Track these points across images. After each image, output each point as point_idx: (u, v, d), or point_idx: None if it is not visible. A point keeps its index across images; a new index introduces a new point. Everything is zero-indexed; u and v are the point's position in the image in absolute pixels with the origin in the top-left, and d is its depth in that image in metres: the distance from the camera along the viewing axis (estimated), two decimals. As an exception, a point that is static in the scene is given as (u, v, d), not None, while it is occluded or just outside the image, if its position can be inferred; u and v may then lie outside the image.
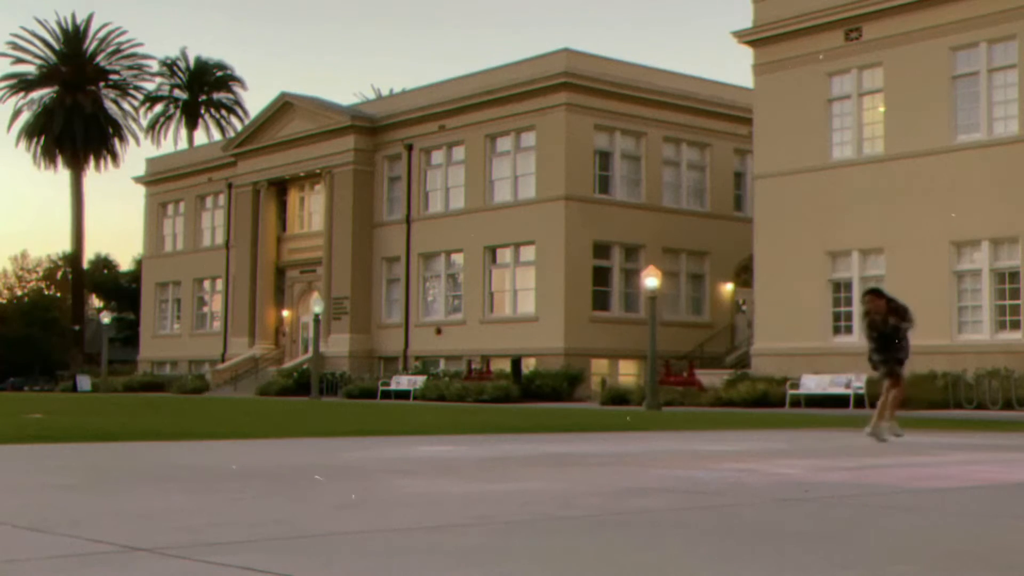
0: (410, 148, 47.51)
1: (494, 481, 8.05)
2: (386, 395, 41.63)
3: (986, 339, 30.48)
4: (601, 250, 42.33)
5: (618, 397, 34.52)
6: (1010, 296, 30.52)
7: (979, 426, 19.49)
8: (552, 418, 21.67)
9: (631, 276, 41.70)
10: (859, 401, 30.18)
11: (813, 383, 31.72)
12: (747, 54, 36.50)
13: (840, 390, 30.95)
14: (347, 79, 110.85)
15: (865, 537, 5.26)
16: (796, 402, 31.43)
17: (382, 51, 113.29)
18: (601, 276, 42.33)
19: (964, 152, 31.35)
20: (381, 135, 48.99)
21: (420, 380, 41.64)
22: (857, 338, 33.30)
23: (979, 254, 31.15)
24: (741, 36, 36.59)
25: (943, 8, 31.83)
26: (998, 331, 30.56)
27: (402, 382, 42.46)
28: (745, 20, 37.05)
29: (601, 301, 42.20)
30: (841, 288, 33.84)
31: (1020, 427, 19.47)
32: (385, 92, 71.71)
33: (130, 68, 77.53)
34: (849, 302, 33.69)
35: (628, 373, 41.04)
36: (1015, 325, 30.30)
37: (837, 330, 33.73)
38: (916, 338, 32.23)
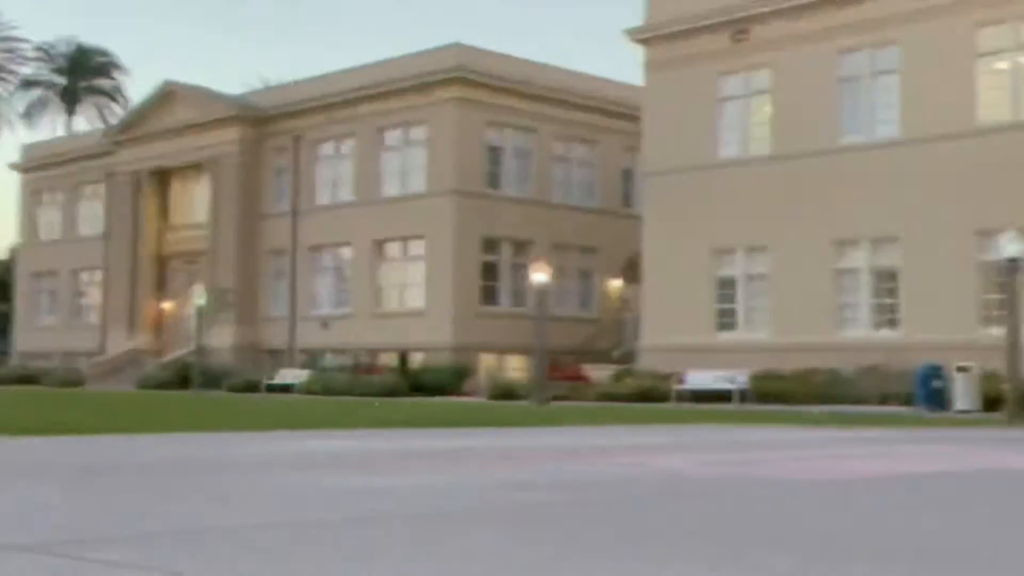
0: (298, 140, 46.90)
1: (381, 476, 7.91)
2: (271, 389, 41.05)
3: (865, 336, 31.25)
4: (490, 245, 42.32)
5: (506, 392, 34.54)
6: (889, 294, 31.33)
7: (858, 421, 19.94)
8: (440, 412, 21.57)
9: (520, 271, 41.75)
10: (742, 396, 30.68)
11: (698, 378, 32.13)
12: (639, 52, 36.85)
13: (724, 385, 31.40)
14: (235, 69, 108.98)
15: (749, 529, 5.27)
16: (681, 397, 31.81)
17: (271, 41, 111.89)
18: (490, 271, 42.31)
19: (847, 153, 32.09)
20: (268, 126, 48.27)
21: (306, 374, 41.16)
22: (742, 334, 33.90)
23: (859, 253, 31.91)
24: (633, 35, 36.90)
25: (829, 13, 32.53)
26: (877, 328, 31.35)
27: (287, 376, 41.91)
28: (638, 19, 37.35)
29: (490, 296, 42.19)
30: (726, 285, 34.36)
31: (897, 422, 19.96)
32: (273, 82, 70.63)
33: (5, 51, 75.25)
34: (734, 298, 34.25)
35: (516, 368, 41.10)
36: (893, 323, 31.11)
37: (722, 326, 34.24)
38: (799, 335, 33.03)
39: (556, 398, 30.80)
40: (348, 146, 45.50)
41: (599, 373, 36.09)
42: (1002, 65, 30.16)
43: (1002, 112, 29.82)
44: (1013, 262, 23.34)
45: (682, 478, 8.04)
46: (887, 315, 31.32)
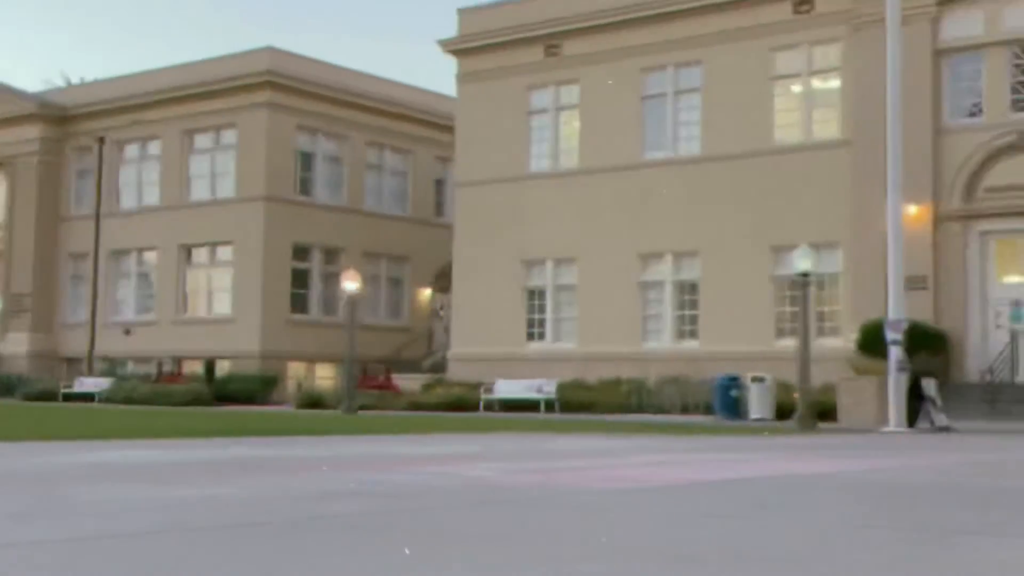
0: (102, 140, 45.40)
1: (184, 486, 7.77)
2: (69, 398, 39.60)
3: (668, 347, 32.20)
4: (300, 252, 41.85)
5: (314, 400, 34.21)
6: (689, 307, 32.38)
7: (660, 429, 20.53)
8: (246, 422, 21.20)
9: (330, 279, 41.43)
10: (550, 405, 31.17)
11: (507, 388, 32.50)
12: (453, 63, 37.07)
13: (532, 394, 31.85)
14: (36, 66, 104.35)
15: (555, 536, 5.40)
16: (490, 406, 32.11)
17: (76, 37, 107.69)
18: (300, 278, 41.84)
19: (652, 169, 33.05)
20: (71, 125, 46.58)
21: (106, 382, 39.85)
22: (550, 344, 34.49)
23: (663, 266, 32.88)
24: (446, 45, 37.12)
25: (635, 31, 33.45)
26: (679, 340, 32.35)
27: (86, 384, 40.49)
28: (452, 30, 37.60)
29: (299, 304, 41.71)
30: (535, 296, 34.89)
31: (697, 430, 20.63)
32: (77, 80, 68.16)
33: None
34: (543, 309, 34.80)
35: (325, 376, 40.75)
36: (693, 334, 32.16)
37: (531, 336, 34.75)
38: (605, 345, 33.72)
39: (365, 407, 30.67)
40: (155, 148, 44.30)
41: (409, 382, 36.10)
42: (795, 88, 31.61)
43: (795, 133, 31.26)
44: (804, 276, 24.46)
45: (490, 486, 8.16)
46: (688, 327, 32.36)
